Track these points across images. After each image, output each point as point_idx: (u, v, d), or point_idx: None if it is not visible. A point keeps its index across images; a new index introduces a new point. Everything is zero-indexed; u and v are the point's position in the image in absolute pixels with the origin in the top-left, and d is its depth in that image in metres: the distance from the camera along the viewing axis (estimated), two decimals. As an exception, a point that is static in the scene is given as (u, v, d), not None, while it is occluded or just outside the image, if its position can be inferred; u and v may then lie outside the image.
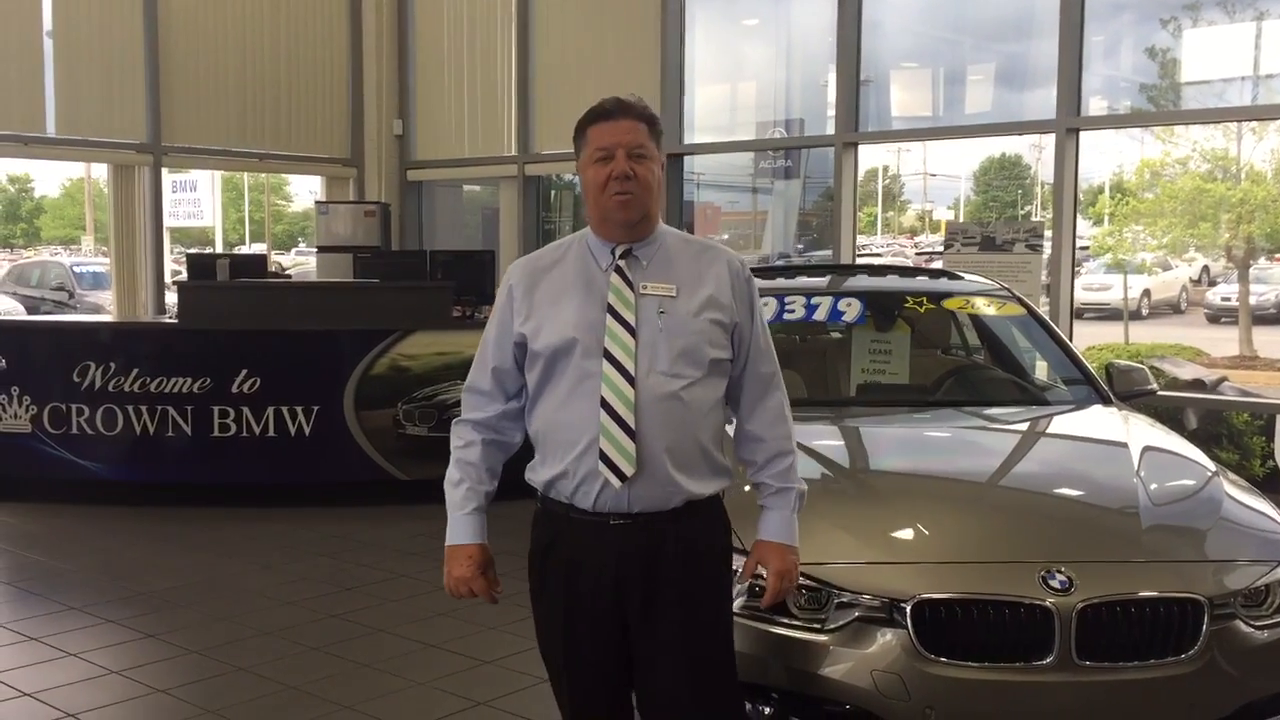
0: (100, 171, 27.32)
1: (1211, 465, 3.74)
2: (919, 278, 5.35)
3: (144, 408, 7.22)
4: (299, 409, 7.24)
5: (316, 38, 10.25)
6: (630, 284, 2.55)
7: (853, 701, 3.03)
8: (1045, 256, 7.18)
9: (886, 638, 3.03)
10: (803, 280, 5.21)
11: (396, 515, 6.96)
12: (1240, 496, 3.57)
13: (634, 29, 9.00)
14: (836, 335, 4.99)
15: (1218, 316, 18.70)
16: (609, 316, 2.52)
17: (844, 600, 3.08)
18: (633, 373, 2.49)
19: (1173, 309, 22.62)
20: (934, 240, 33.61)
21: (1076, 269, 7.87)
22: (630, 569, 2.55)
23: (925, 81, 8.87)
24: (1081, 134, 7.19)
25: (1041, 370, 4.86)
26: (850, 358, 4.78)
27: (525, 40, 9.72)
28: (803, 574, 3.10)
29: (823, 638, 3.07)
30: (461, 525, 2.64)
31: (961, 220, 16.58)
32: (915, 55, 8.82)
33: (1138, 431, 4.00)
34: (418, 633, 4.90)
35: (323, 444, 7.29)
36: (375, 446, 7.39)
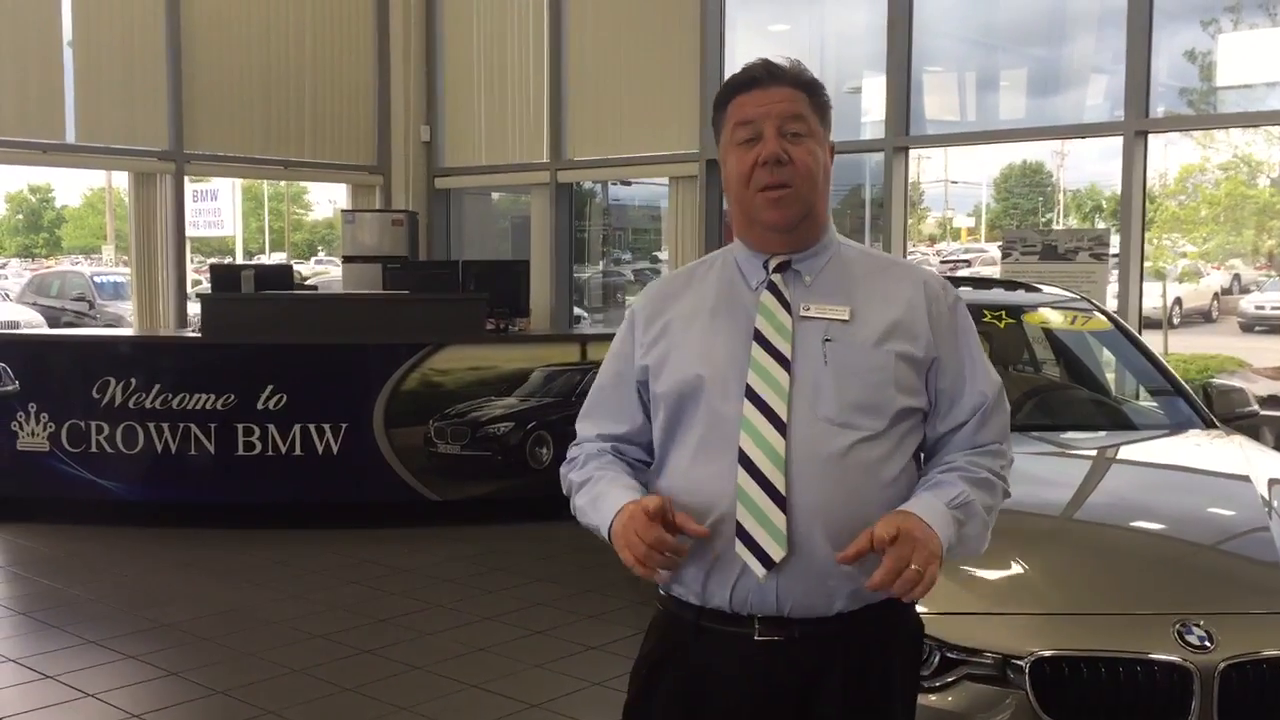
0: (121, 181, 27.28)
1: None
2: (995, 289, 5.00)
3: (166, 425, 6.93)
4: (327, 427, 6.93)
5: (342, 43, 9.97)
6: (786, 304, 1.93)
7: (966, 771, 2.69)
8: (1110, 265, 6.83)
9: (1002, 699, 2.69)
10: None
11: (428, 538, 6.65)
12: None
13: (670, 31, 8.69)
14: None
15: (1252, 325, 18.30)
16: (756, 345, 1.91)
17: (951, 657, 2.75)
18: (785, 419, 1.86)
19: (1204, 318, 22.23)
20: (955, 248, 33.21)
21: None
22: (779, 705, 1.90)
23: (959, 85, 8.56)
24: (1148, 137, 6.84)
25: (1128, 387, 4.50)
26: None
27: (558, 43, 9.42)
28: (902, 625, 2.78)
29: (927, 698, 2.73)
30: (612, 495, 1.94)
31: (988, 229, 16.14)
32: (945, 59, 8.49)
33: (1258, 461, 3.64)
34: (457, 671, 4.58)
35: (351, 463, 6.99)
36: (406, 465, 7.08)
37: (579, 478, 2.04)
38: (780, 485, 1.84)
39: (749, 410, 1.87)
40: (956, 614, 2.83)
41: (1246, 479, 3.45)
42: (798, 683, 1.89)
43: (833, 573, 1.85)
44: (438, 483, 7.13)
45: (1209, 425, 4.05)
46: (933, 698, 2.73)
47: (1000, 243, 7.63)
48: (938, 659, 2.76)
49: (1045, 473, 3.79)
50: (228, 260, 31.12)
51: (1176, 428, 4.09)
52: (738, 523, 1.85)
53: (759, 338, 1.92)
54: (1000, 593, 2.88)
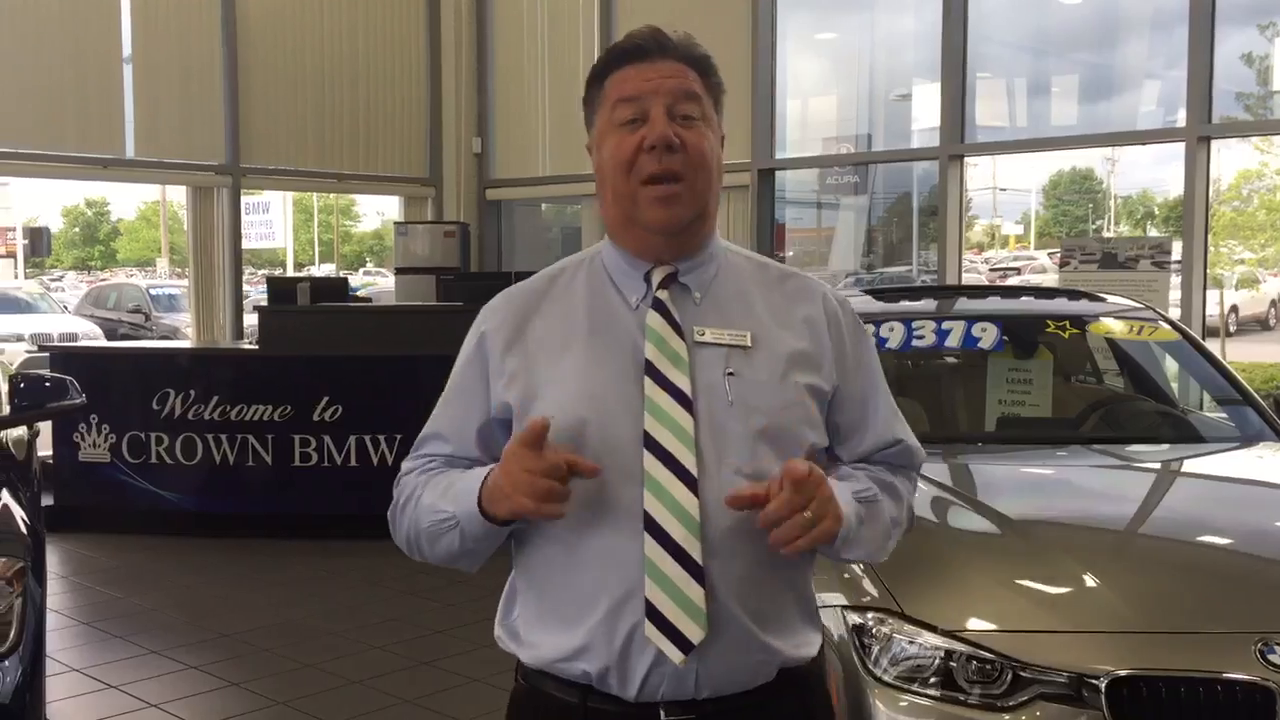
0: (176, 194, 27.69)
1: None
2: (1058, 299, 4.92)
3: (224, 436, 7.00)
4: (382, 438, 6.96)
5: (394, 57, 10.05)
6: (678, 327, 1.60)
7: (1038, 793, 2.63)
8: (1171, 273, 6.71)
9: (1077, 719, 2.63)
10: (928, 303, 4.81)
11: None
12: None
13: (721, 40, 8.66)
14: (963, 363, 4.58)
15: (1312, 332, 18.13)
16: (649, 381, 1.57)
17: (1024, 675, 2.69)
18: (694, 472, 1.54)
19: (1261, 325, 21.85)
20: (1003, 256, 32.89)
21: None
22: None
23: (1010, 92, 8.46)
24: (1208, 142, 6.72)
25: (1195, 399, 4.40)
26: (985, 388, 4.37)
27: (607, 53, 9.43)
28: (974, 644, 2.73)
29: (998, 717, 2.68)
30: (469, 474, 1.63)
31: (1037, 237, 15.89)
32: (996, 65, 8.40)
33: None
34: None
35: (406, 474, 7.01)
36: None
37: (403, 495, 1.70)
38: (697, 554, 1.53)
39: (650, 463, 1.54)
40: (1029, 631, 2.77)
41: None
42: None
43: (757, 648, 1.59)
44: (492, 494, 7.13)
45: (1281, 437, 3.95)
46: (1006, 717, 2.68)
47: (1053, 250, 7.53)
48: (1010, 677, 2.70)
49: (1111, 486, 3.73)
50: (278, 272, 31.51)
51: (1247, 440, 3.99)
52: (647, 601, 1.53)
53: (651, 370, 1.58)
54: (1073, 609, 2.82)
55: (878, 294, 4.99)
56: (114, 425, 7.22)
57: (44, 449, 7.41)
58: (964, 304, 4.78)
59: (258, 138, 9.24)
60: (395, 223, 10.14)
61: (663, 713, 1.58)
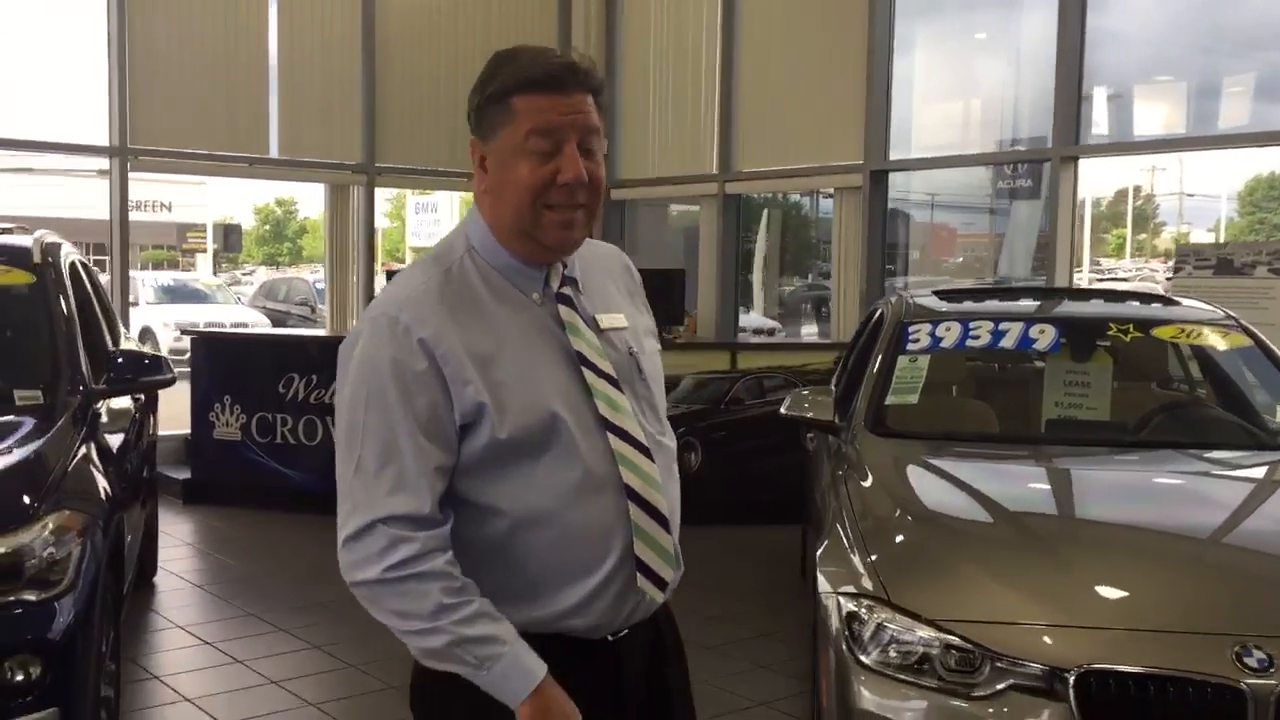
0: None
1: None
2: (1129, 303, 4.84)
3: (340, 419, 7.40)
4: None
5: (526, 59, 10.37)
6: (586, 319, 1.80)
7: (1002, 781, 2.67)
8: None
9: (1046, 711, 2.66)
10: (994, 304, 4.80)
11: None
12: None
13: (836, 42, 8.68)
14: (1034, 364, 4.57)
15: None
16: (586, 370, 1.75)
17: (1000, 666, 2.73)
18: (645, 443, 1.78)
19: None
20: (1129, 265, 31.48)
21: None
22: (638, 690, 1.90)
23: (1172, 94, 8.19)
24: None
25: (1263, 406, 4.28)
26: (1043, 390, 4.36)
27: (729, 56, 9.53)
28: (955, 634, 2.80)
29: (973, 705, 2.73)
30: (516, 663, 1.69)
31: (1201, 242, 15.21)
32: (1163, 68, 8.14)
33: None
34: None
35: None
36: (560, 466, 7.33)
37: (449, 596, 1.68)
38: (663, 508, 1.78)
39: (616, 443, 1.75)
40: (1008, 624, 2.82)
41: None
42: (648, 658, 1.91)
43: (680, 570, 1.86)
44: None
45: (1344, 447, 3.83)
46: (978, 706, 2.73)
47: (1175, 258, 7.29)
48: (988, 668, 2.75)
49: (1126, 489, 3.70)
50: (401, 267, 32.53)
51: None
52: (637, 558, 1.76)
53: (583, 360, 1.76)
54: (1054, 604, 2.84)
55: (944, 294, 5.00)
56: (245, 406, 7.73)
57: (185, 428, 8.03)
58: (1027, 305, 4.75)
59: (393, 137, 9.68)
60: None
61: (610, 636, 1.81)
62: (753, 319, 12.12)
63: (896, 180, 9.83)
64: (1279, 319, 6.52)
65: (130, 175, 8.46)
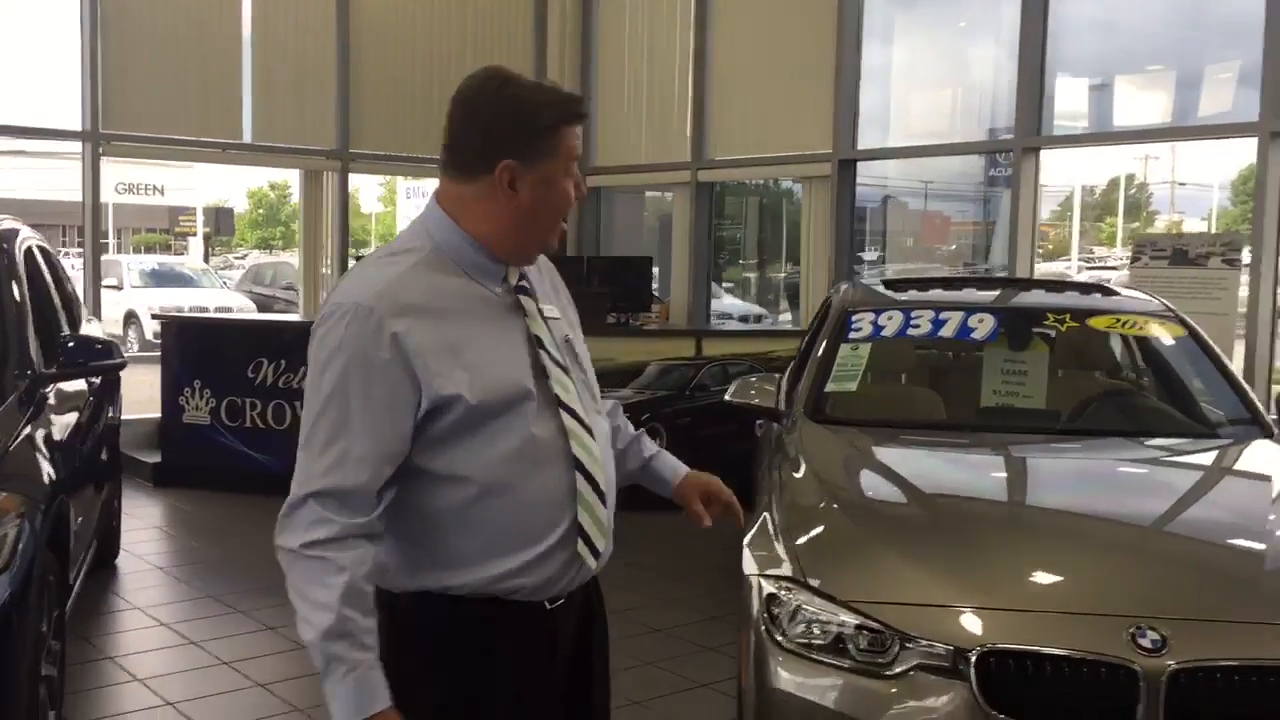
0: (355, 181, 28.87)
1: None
2: (1069, 293, 4.92)
3: (308, 404, 7.46)
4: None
5: (500, 45, 10.41)
6: (539, 310, 2.00)
7: (907, 757, 2.76)
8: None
9: (949, 690, 2.74)
10: (937, 293, 4.87)
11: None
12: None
13: (811, 34, 8.72)
14: (977, 354, 4.64)
15: None
16: (542, 353, 1.95)
17: (909, 646, 2.81)
18: (588, 421, 1.97)
19: None
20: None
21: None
22: (568, 656, 2.05)
23: (1144, 84, 8.24)
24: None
25: (1194, 394, 4.36)
26: (980, 378, 4.43)
27: (703, 45, 9.57)
28: (867, 615, 2.87)
29: (880, 685, 2.81)
30: (375, 680, 1.79)
31: (1157, 232, 15.15)
32: (1155, 57, 8.18)
33: (1287, 470, 3.53)
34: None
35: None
36: (525, 451, 7.40)
37: (346, 607, 1.76)
38: (603, 483, 1.96)
39: (567, 420, 1.93)
40: (918, 605, 2.89)
41: (1267, 487, 3.36)
42: (581, 624, 2.06)
43: (611, 540, 2.03)
44: (554, 469, 7.43)
45: (1269, 434, 3.91)
46: (887, 685, 2.81)
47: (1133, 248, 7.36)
48: (897, 648, 2.83)
49: (1043, 474, 3.79)
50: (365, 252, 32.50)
51: (1236, 438, 3.96)
52: (579, 525, 1.93)
53: (540, 344, 1.95)
54: (963, 586, 2.92)
55: (890, 283, 5.07)
56: (215, 391, 7.79)
57: (155, 410, 8.09)
58: (970, 295, 4.83)
59: (367, 124, 9.71)
60: (493, 207, 10.51)
61: (548, 603, 1.95)
62: (739, 306, 12.18)
63: (889, 168, 9.91)
64: (1232, 309, 6.61)
65: (116, 160, 8.49)
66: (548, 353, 1.95)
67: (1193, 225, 35.84)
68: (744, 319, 11.80)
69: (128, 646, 4.78)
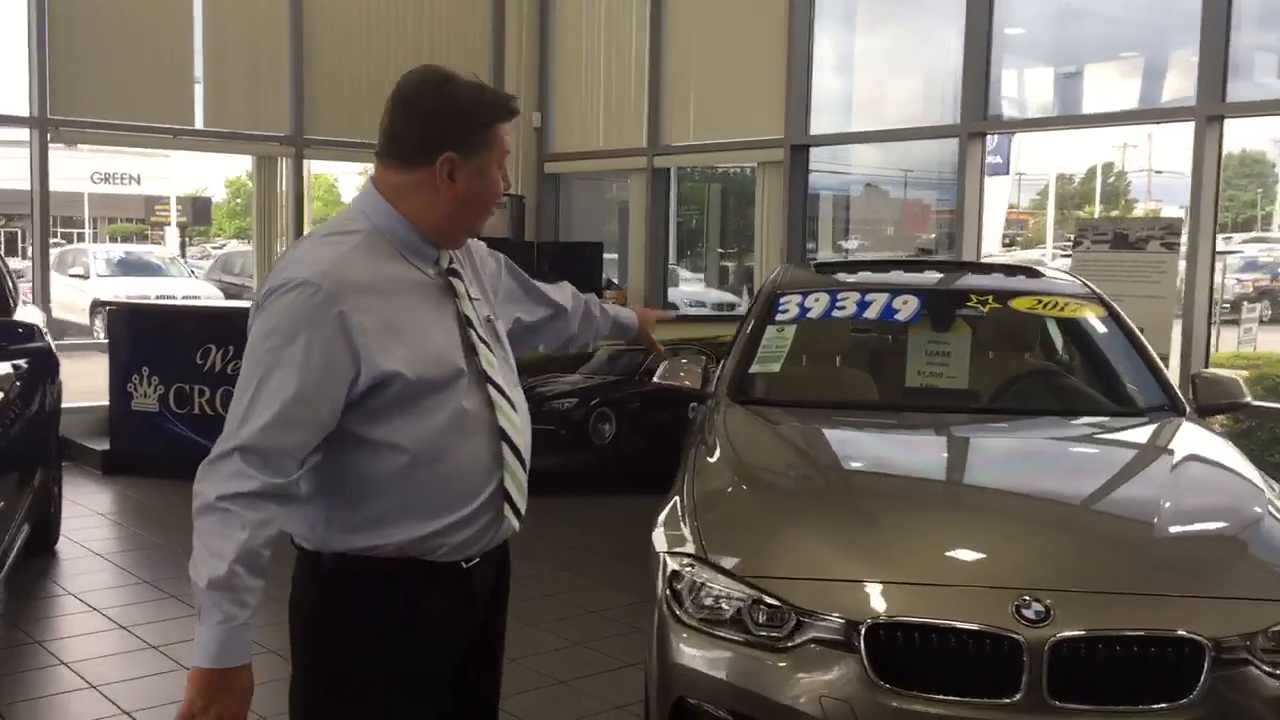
0: (330, 168, 28.62)
1: (1267, 488, 3.30)
2: (994, 275, 4.96)
3: (256, 390, 7.45)
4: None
5: (458, 31, 10.40)
6: (467, 292, 2.16)
7: (800, 729, 2.79)
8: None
9: (841, 662, 2.78)
10: (864, 275, 4.91)
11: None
12: (1290, 525, 3.13)
13: (763, 21, 8.74)
14: (893, 334, 4.68)
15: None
16: (471, 332, 2.10)
17: (804, 620, 2.84)
18: (509, 394, 2.15)
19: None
20: None
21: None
22: (482, 613, 2.22)
23: (1110, 71, 8.28)
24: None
25: (1113, 374, 4.41)
26: (906, 359, 4.47)
27: (658, 32, 9.59)
28: (765, 590, 2.91)
29: (776, 658, 2.84)
30: (243, 638, 1.89)
31: (1098, 217, 15.15)
32: (1115, 45, 8.22)
33: (1189, 446, 3.58)
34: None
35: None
36: (474, 436, 7.40)
37: (240, 564, 1.87)
38: (524, 451, 2.15)
39: (493, 394, 2.10)
40: (814, 579, 2.93)
41: (1165, 462, 3.42)
42: (493, 582, 2.24)
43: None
44: (503, 454, 7.43)
45: (1181, 413, 3.96)
46: (782, 658, 2.84)
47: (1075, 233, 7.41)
48: (794, 622, 2.86)
49: (949, 452, 3.84)
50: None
51: (1149, 416, 4.00)
52: (505, 490, 2.11)
53: (470, 324, 2.11)
54: (858, 561, 2.95)
55: (822, 266, 5.10)
56: (163, 377, 7.77)
57: (104, 398, 8.06)
58: (898, 277, 4.86)
59: (322, 110, 9.68)
60: (451, 194, 10.50)
61: (464, 563, 2.10)
62: (714, 295, 12.17)
63: (871, 156, 9.93)
64: (1171, 292, 6.68)
65: (92, 150, 8.46)
66: (475, 331, 2.11)
67: (1170, 212, 35.97)
68: (719, 307, 11.82)
69: (58, 631, 4.78)
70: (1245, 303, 15.64)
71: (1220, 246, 7.17)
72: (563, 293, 2.65)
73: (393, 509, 2.02)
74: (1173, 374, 4.92)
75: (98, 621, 4.88)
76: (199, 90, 9.20)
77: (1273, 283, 19.28)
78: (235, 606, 1.87)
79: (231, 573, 1.86)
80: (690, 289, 12.29)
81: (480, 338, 2.11)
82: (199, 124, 9.24)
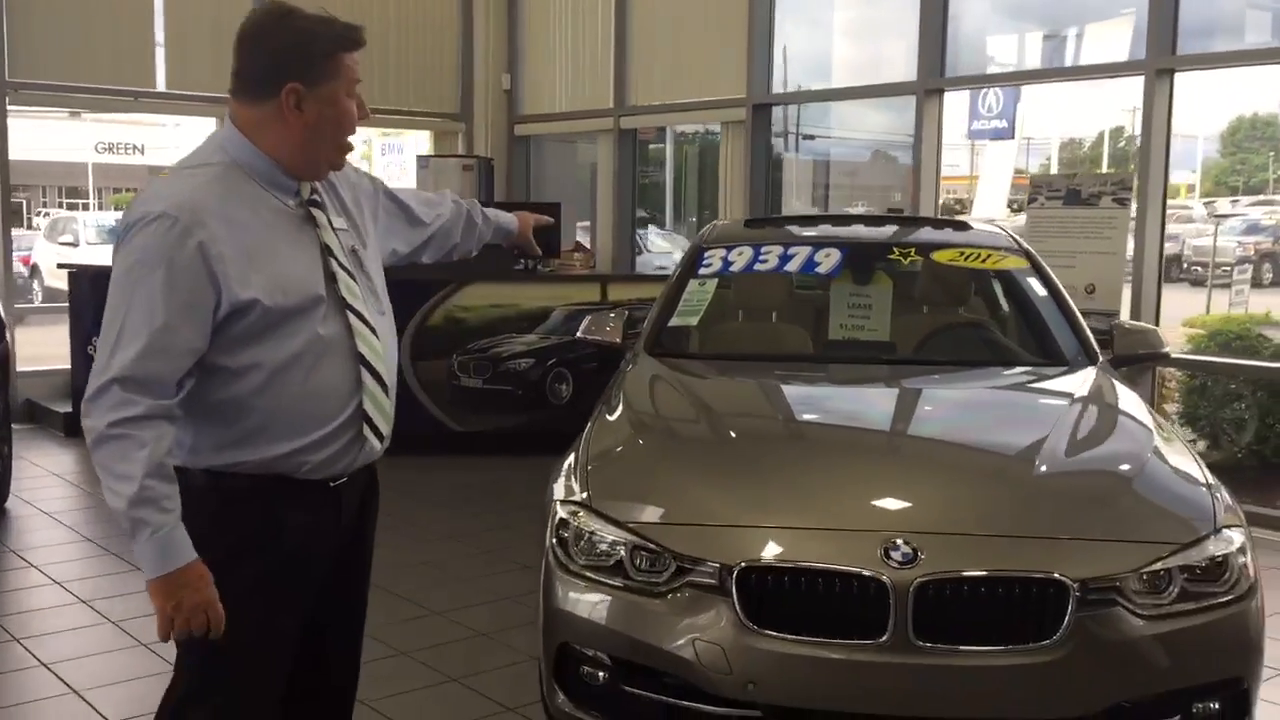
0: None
1: (1156, 432, 3.30)
2: (922, 229, 4.95)
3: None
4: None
5: (426, -7, 10.33)
6: (329, 222, 2.24)
7: (675, 672, 2.82)
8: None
9: (715, 605, 2.80)
10: (791, 229, 4.90)
11: (442, 466, 7.00)
12: (1175, 467, 3.14)
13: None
14: (815, 287, 4.68)
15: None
16: (333, 261, 2.19)
17: (683, 566, 2.87)
18: (371, 321, 2.23)
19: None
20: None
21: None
22: (348, 531, 2.34)
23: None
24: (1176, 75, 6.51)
25: (1034, 326, 4.41)
26: (829, 312, 4.48)
27: (624, -9, 9.53)
28: (644, 536, 2.93)
29: (654, 603, 2.87)
30: (178, 537, 2.00)
31: (1053, 173, 15.04)
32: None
33: (1088, 392, 3.59)
34: (384, 578, 4.89)
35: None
36: (431, 398, 7.44)
37: (150, 478, 1.96)
38: (385, 376, 2.26)
39: (353, 320, 2.19)
40: (690, 525, 2.95)
41: (1058, 407, 3.44)
42: (361, 503, 2.38)
43: (392, 428, 2.32)
44: (460, 414, 7.47)
45: (1094, 362, 3.97)
46: (660, 603, 2.86)
47: (1209, 200, 7.38)
48: (673, 568, 2.88)
49: (847, 402, 3.86)
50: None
51: (1066, 366, 4.00)
52: (364, 413, 2.21)
53: (330, 253, 2.20)
54: (733, 507, 2.97)
55: (751, 222, 5.10)
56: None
57: (66, 361, 8.09)
58: (823, 230, 4.86)
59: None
60: (418, 156, 10.49)
61: (331, 483, 2.23)
62: (679, 256, 12.17)
63: (877, 121, 9.85)
64: (1121, 248, 6.67)
65: (96, 119, 8.41)
66: (336, 260, 2.19)
67: (1181, 177, 35.84)
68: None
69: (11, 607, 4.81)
70: (1237, 266, 15.63)
71: (1226, 210, 7.12)
72: (443, 203, 2.71)
73: (254, 428, 2.12)
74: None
75: (35, 577, 4.93)
76: (160, 53, 9.15)
77: (1275, 245, 19.17)
78: (159, 514, 1.98)
79: (144, 486, 1.96)
80: (660, 250, 12.29)
81: (341, 265, 2.20)
82: (160, 86, 9.20)
